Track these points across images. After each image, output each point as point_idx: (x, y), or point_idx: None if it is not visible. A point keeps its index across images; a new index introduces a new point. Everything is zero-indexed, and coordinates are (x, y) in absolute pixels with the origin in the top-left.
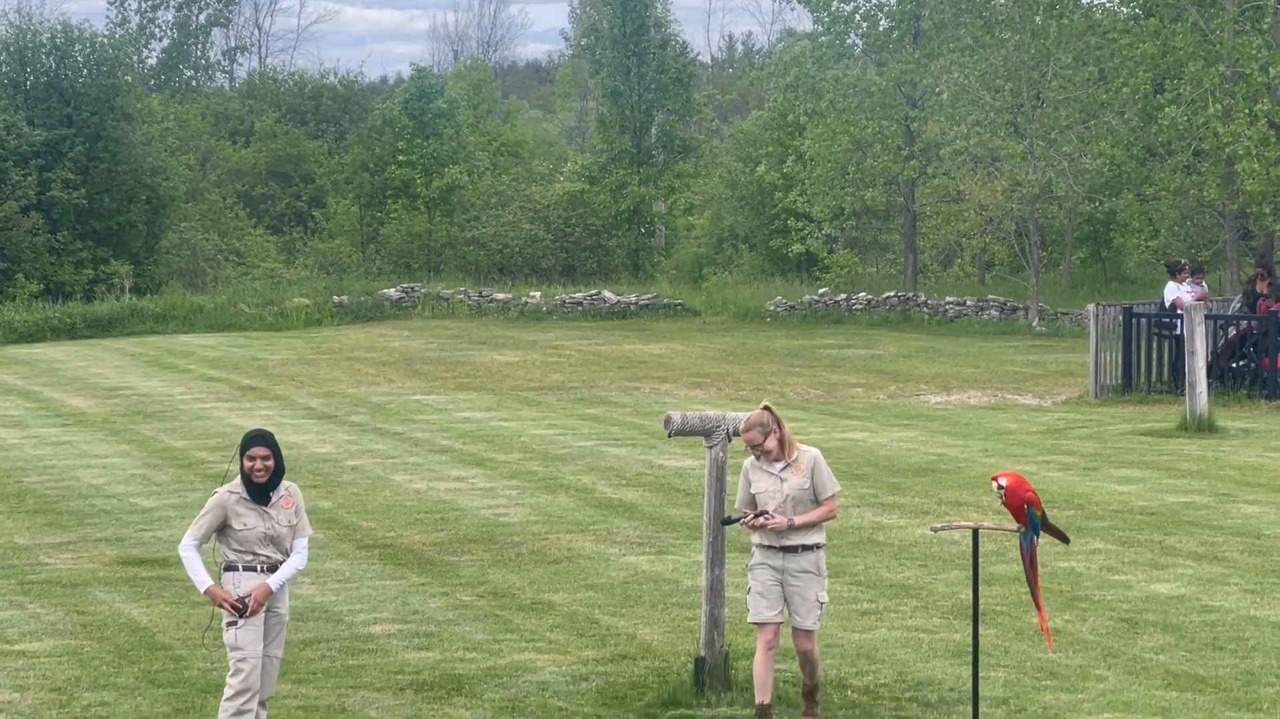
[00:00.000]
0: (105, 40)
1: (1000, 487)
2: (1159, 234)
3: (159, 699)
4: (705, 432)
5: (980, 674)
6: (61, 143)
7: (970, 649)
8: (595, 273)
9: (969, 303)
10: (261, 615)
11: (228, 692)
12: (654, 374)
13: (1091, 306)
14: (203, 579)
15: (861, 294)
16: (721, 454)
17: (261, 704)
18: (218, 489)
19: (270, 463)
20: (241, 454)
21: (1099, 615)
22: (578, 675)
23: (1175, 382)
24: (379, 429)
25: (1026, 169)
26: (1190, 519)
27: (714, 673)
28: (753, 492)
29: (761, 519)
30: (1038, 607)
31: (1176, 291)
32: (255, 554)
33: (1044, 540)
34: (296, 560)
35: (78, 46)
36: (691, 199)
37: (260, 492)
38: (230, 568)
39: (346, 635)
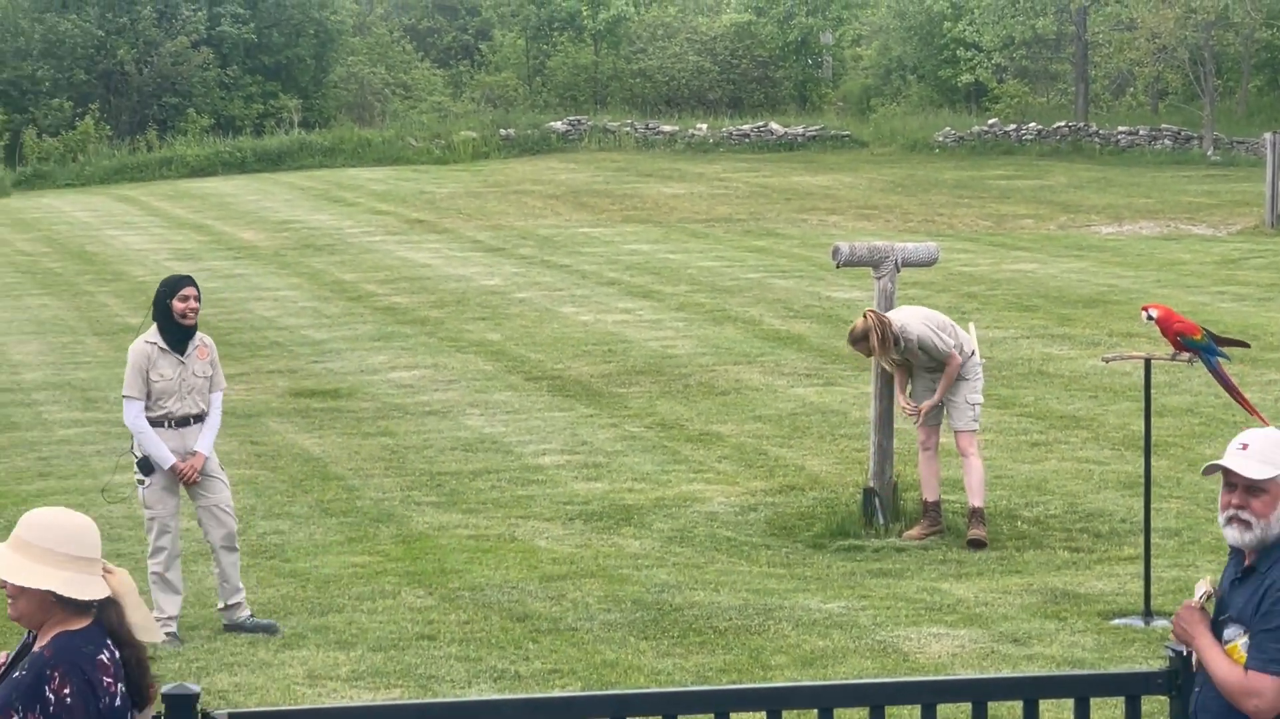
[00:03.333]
0: None
1: (1150, 317)
2: None
3: (331, 528)
4: (874, 262)
5: (1152, 505)
6: None
7: (1142, 480)
8: (762, 104)
9: (1141, 132)
10: (171, 476)
11: (151, 553)
12: (821, 206)
13: (1269, 135)
14: (167, 456)
15: (1031, 124)
16: (890, 285)
17: (229, 548)
18: (133, 345)
19: (198, 305)
20: (170, 296)
21: None
22: (746, 506)
23: None
24: (546, 262)
25: None
26: None
27: (882, 503)
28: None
29: (918, 409)
30: (1250, 410)
31: None
32: (164, 408)
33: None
34: (215, 419)
35: None
36: (859, 29)
37: (182, 339)
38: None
39: (516, 466)
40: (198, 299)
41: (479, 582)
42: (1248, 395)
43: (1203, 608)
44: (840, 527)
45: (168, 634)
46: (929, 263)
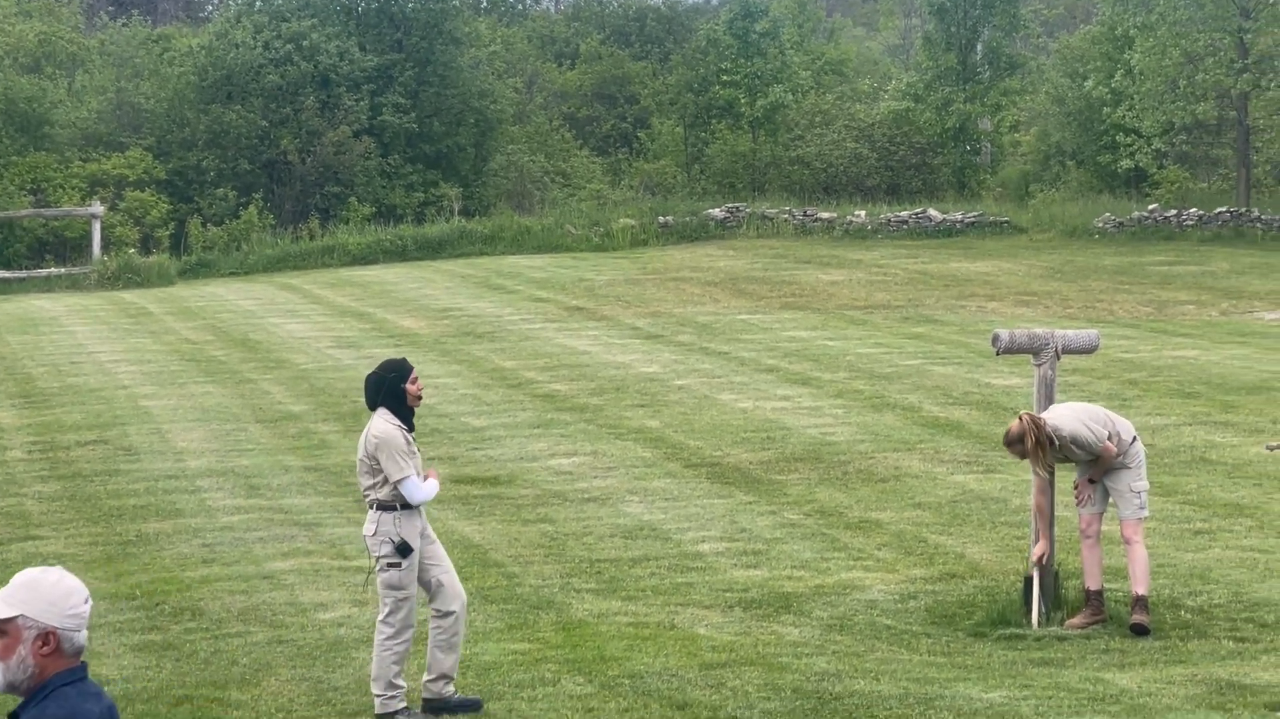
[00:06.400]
0: None
1: None
2: None
3: (492, 615)
4: (1033, 349)
5: None
6: (392, 67)
7: None
8: (920, 191)
9: None
10: (417, 560)
11: (388, 629)
12: (980, 292)
13: None
14: (434, 488)
15: (1192, 210)
16: (1050, 372)
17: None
18: (380, 429)
19: None
20: (403, 381)
21: None
22: (906, 594)
23: None
24: (705, 349)
25: None
26: None
27: (1044, 593)
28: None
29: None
30: None
31: None
32: None
33: None
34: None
35: None
36: (1018, 116)
37: (411, 421)
38: (388, 508)
39: (675, 553)
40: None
41: (639, 669)
42: None
43: None
44: (1001, 615)
45: (404, 708)
46: (1089, 350)
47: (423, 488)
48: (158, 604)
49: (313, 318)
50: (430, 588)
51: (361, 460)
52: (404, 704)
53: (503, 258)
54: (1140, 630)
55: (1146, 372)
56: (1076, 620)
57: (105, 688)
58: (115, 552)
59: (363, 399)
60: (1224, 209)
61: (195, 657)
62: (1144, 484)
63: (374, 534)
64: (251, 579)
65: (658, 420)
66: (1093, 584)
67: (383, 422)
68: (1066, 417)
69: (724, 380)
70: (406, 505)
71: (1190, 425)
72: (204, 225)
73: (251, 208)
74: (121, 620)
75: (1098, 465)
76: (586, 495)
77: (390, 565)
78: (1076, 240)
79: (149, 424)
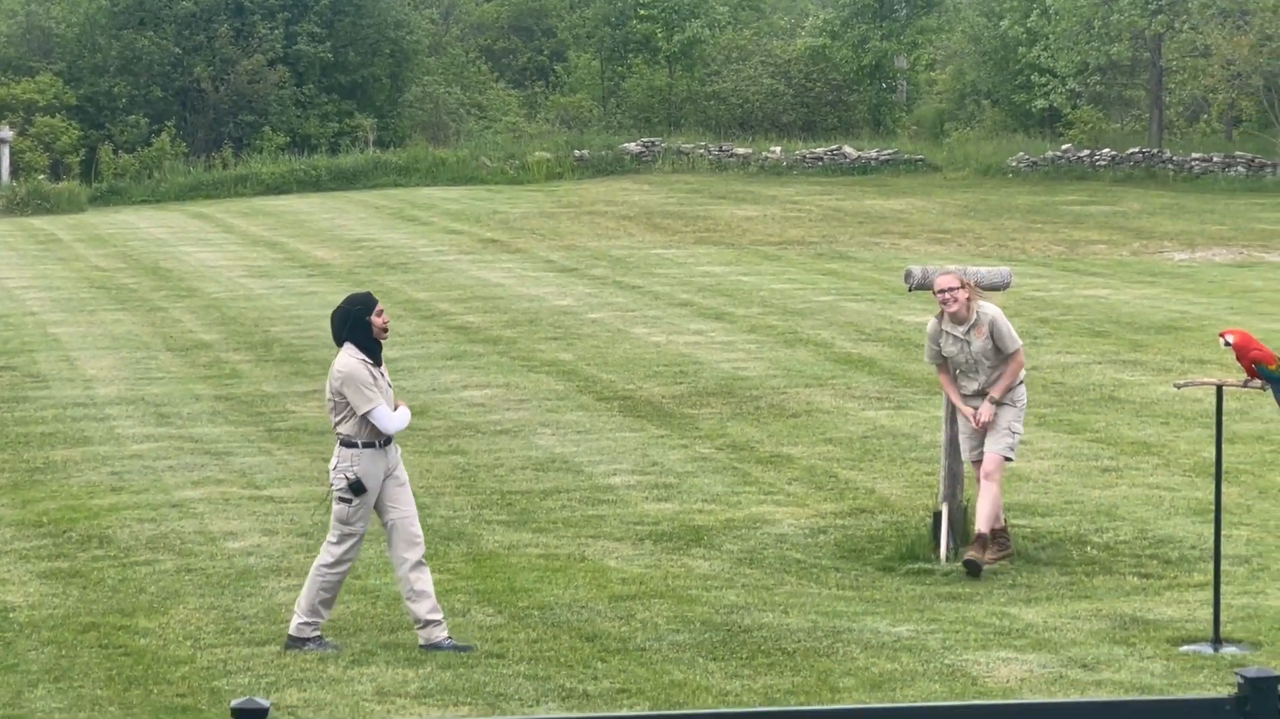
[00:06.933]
0: None
1: (1227, 343)
2: None
3: None
4: None
5: (1223, 532)
6: None
7: (1212, 507)
8: (836, 128)
9: (1215, 159)
10: (372, 500)
11: (328, 559)
12: (894, 230)
13: None
14: (405, 416)
15: (1105, 150)
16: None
17: (420, 562)
18: (344, 364)
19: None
20: (368, 314)
21: None
22: (816, 529)
23: None
24: (619, 283)
25: (1277, 22)
26: None
27: (952, 527)
28: (944, 354)
29: (975, 419)
30: None
31: None
32: (374, 429)
33: None
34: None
35: None
36: (934, 54)
37: (379, 353)
38: (349, 444)
39: (586, 486)
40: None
41: (548, 601)
42: None
43: None
44: (910, 550)
45: (316, 637)
46: (1002, 287)
47: (393, 417)
48: (65, 532)
49: (225, 247)
50: (387, 530)
51: (329, 398)
52: (318, 634)
53: (417, 189)
54: (973, 567)
55: (1057, 310)
56: (987, 556)
57: (10, 615)
58: (22, 479)
59: (275, 329)
60: (1136, 150)
61: (103, 584)
62: (1021, 428)
63: (334, 468)
64: (160, 508)
65: (571, 354)
66: (982, 528)
67: (347, 356)
68: (992, 305)
69: (638, 314)
70: (370, 444)
71: (1100, 364)
72: (115, 152)
73: (164, 135)
74: (28, 548)
75: (1005, 374)
76: (499, 427)
77: (341, 499)
78: (990, 179)
79: (57, 351)
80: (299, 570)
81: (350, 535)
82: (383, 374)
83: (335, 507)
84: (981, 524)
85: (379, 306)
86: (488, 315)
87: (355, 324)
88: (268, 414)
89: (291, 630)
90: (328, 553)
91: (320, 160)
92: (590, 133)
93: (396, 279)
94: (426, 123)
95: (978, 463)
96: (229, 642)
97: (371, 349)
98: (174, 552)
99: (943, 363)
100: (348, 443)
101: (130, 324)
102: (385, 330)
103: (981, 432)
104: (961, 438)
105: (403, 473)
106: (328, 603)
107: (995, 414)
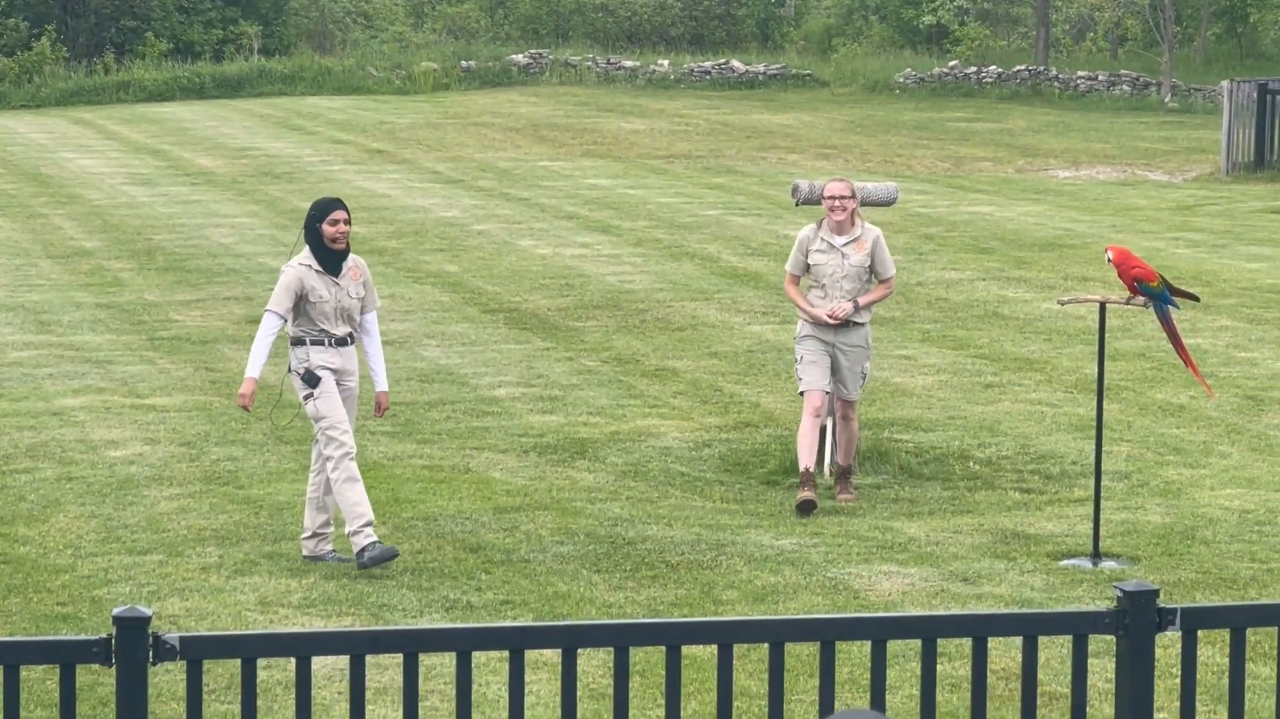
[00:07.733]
0: None
1: (1110, 259)
2: None
3: (285, 456)
4: None
5: (1103, 448)
6: None
7: (1094, 423)
8: (724, 42)
9: (1100, 78)
10: (333, 384)
11: (330, 463)
12: (781, 144)
13: (1225, 83)
14: (255, 369)
15: (992, 67)
16: None
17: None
18: (287, 265)
19: (349, 228)
20: (320, 220)
21: (1224, 392)
22: (700, 442)
23: None
24: (505, 194)
25: None
26: None
27: (836, 444)
28: (810, 263)
29: (828, 316)
30: (1188, 364)
31: None
32: (323, 329)
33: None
34: (378, 344)
35: None
36: None
37: (335, 261)
38: (298, 342)
39: (471, 398)
40: (348, 222)
41: (432, 512)
42: (1193, 341)
43: None
44: (793, 464)
45: (371, 540)
46: (889, 202)
47: (263, 328)
48: None
49: (107, 154)
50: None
51: None
52: (373, 539)
53: (302, 98)
54: (806, 508)
55: (943, 226)
56: (847, 496)
57: None
58: None
59: (158, 237)
60: (1023, 67)
61: None
62: (870, 368)
63: (289, 371)
64: (40, 415)
65: (456, 265)
66: (808, 463)
67: (291, 260)
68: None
69: (524, 227)
70: (318, 341)
71: (984, 280)
72: None
73: (44, 39)
74: None
75: (876, 292)
76: (383, 338)
77: (306, 397)
78: (877, 95)
79: None
80: (180, 479)
81: (333, 428)
82: (336, 282)
83: (307, 408)
84: (844, 458)
85: (334, 214)
86: (373, 226)
87: (308, 229)
88: (150, 323)
89: (357, 550)
90: (328, 460)
91: (204, 67)
92: (478, 43)
93: (281, 188)
94: (312, 31)
95: (821, 393)
96: (110, 550)
97: (324, 257)
98: (54, 460)
99: (803, 273)
100: (296, 340)
101: (9, 230)
102: (336, 239)
103: (828, 361)
104: (804, 366)
105: (353, 385)
106: (362, 502)
107: (852, 360)
